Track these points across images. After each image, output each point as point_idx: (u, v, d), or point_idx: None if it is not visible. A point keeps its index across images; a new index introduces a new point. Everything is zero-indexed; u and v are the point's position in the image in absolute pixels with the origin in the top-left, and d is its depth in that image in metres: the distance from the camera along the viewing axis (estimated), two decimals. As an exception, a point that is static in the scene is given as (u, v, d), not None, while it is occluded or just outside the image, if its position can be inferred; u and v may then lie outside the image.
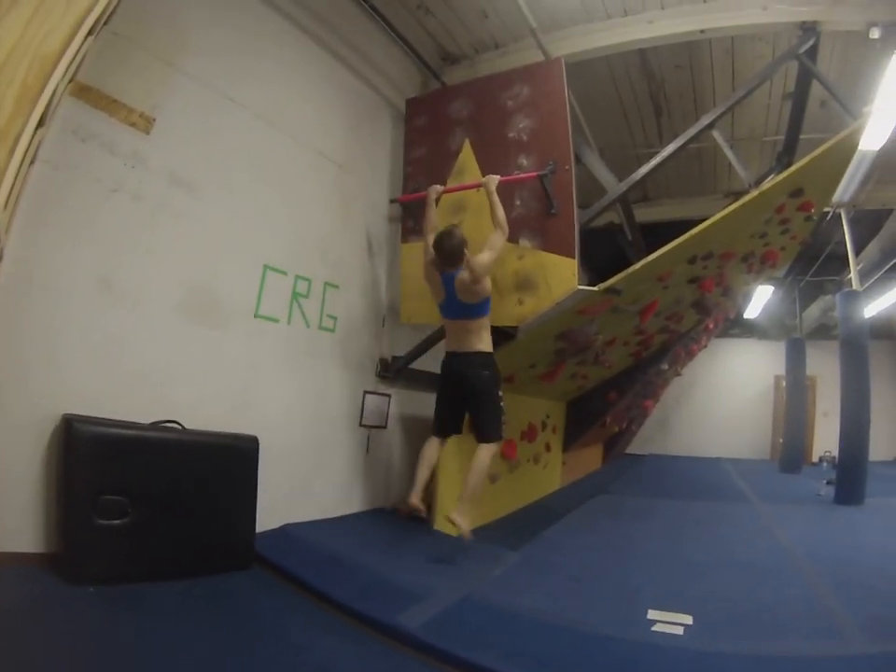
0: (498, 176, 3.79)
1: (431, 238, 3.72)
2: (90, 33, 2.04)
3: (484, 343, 3.64)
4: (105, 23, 2.38)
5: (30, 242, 2.54)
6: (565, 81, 4.05)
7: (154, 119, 3.05)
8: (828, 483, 6.99)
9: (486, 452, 3.56)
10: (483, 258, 3.49)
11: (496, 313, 3.81)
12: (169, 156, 3.13)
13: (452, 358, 3.72)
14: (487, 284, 3.55)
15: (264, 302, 3.69)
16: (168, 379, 3.11)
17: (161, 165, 3.09)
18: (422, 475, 3.69)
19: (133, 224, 2.95)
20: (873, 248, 7.31)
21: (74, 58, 1.99)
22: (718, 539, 4.55)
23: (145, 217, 3.01)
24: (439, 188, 4.04)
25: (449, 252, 3.54)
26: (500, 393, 3.66)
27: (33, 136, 1.89)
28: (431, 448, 3.77)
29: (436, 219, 3.92)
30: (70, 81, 2.46)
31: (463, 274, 3.51)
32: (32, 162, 2.31)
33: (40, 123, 1.92)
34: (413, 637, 2.36)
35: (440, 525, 4.17)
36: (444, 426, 3.81)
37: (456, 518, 3.45)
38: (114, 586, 2.51)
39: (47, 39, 1.82)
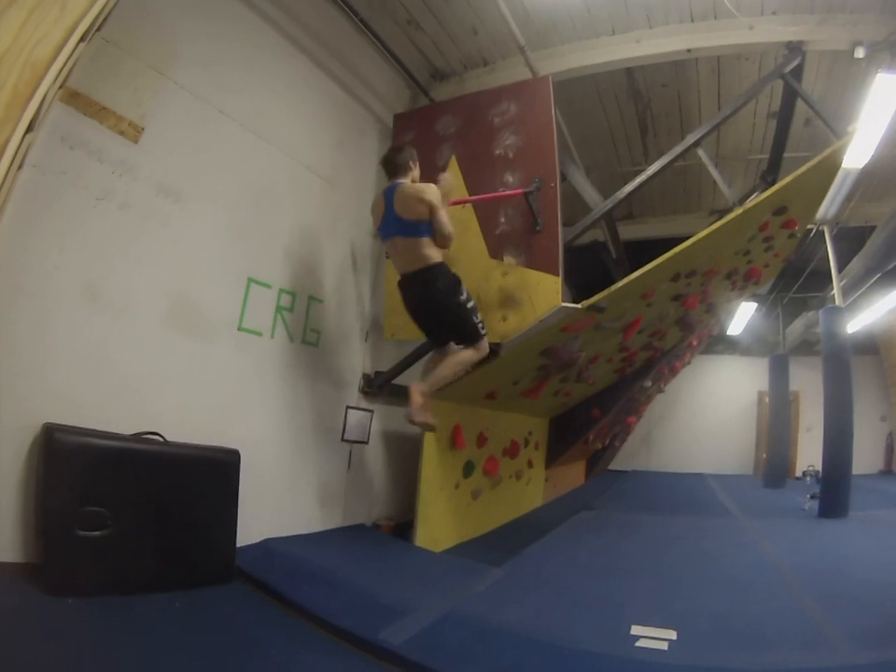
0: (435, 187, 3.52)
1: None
2: (82, 39, 2.04)
3: (429, 257, 3.41)
4: (98, 30, 2.38)
5: (17, 247, 2.53)
6: (552, 99, 4.08)
7: (143, 128, 3.05)
8: (812, 496, 7.02)
9: (469, 353, 3.52)
10: (432, 188, 3.38)
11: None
12: (157, 165, 3.12)
13: (404, 281, 3.57)
14: (425, 209, 3.32)
15: (248, 315, 3.68)
16: (151, 390, 3.09)
17: (149, 175, 3.08)
18: (428, 371, 3.67)
19: (119, 233, 2.94)
20: (856, 264, 7.39)
21: (65, 64, 2.00)
22: (702, 554, 4.54)
23: (131, 226, 3.00)
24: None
25: (392, 161, 3.50)
26: (465, 295, 3.50)
27: (21, 141, 1.88)
28: (433, 360, 3.76)
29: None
30: (61, 87, 2.45)
31: (404, 185, 3.41)
32: (20, 167, 2.29)
33: (29, 128, 1.92)
34: (396, 654, 2.34)
35: (422, 541, 4.14)
36: (434, 338, 3.77)
37: (414, 390, 3.38)
38: (93, 598, 2.48)
39: (39, 45, 1.82)
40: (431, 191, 3.34)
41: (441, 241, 3.39)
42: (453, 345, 3.67)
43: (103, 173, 2.86)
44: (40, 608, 2.32)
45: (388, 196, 3.45)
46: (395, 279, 3.71)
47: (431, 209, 3.31)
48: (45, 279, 2.65)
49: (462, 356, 3.51)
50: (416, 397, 3.36)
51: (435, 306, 3.49)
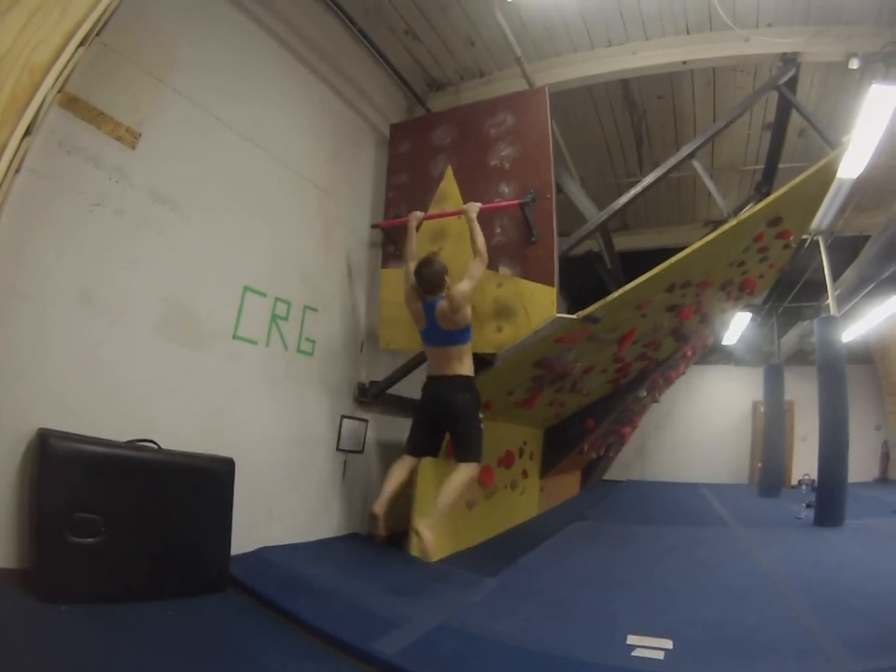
0: (479, 204, 3.82)
1: (412, 265, 3.74)
2: (81, 43, 2.04)
3: (465, 368, 3.64)
4: (98, 34, 2.38)
5: (13, 251, 2.51)
6: (548, 110, 4.10)
7: (140, 135, 3.04)
8: (807, 505, 7.03)
9: (465, 470, 3.51)
10: (463, 286, 3.51)
11: (475, 340, 3.80)
12: (153, 172, 3.11)
13: (433, 381, 3.71)
14: (468, 312, 3.56)
15: (243, 323, 3.66)
16: (145, 396, 3.07)
17: (145, 181, 3.07)
18: (388, 488, 3.61)
19: (115, 239, 2.93)
20: (850, 274, 7.43)
21: (64, 68, 1.99)
22: (697, 564, 4.54)
23: (127, 233, 2.98)
24: (419, 214, 4.06)
25: (429, 280, 3.58)
26: (480, 416, 3.65)
27: (19, 145, 1.88)
28: (402, 466, 3.72)
29: (416, 246, 3.94)
30: (59, 91, 2.45)
31: (443, 303, 3.54)
32: (17, 171, 2.29)
33: (27, 132, 1.92)
34: (390, 664, 2.33)
35: (416, 550, 4.12)
36: (419, 446, 3.78)
37: (423, 530, 3.33)
38: (86, 605, 2.45)
39: (38, 49, 1.83)
40: (460, 294, 3.51)
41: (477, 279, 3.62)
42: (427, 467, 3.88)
43: (99, 178, 2.85)
44: (33, 614, 2.30)
45: (429, 310, 3.63)
46: (390, 288, 3.77)
47: (470, 291, 3.55)
48: (41, 283, 2.63)
49: (461, 476, 3.49)
50: (428, 534, 3.33)
51: (456, 412, 3.60)
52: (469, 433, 3.59)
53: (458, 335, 3.59)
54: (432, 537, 3.34)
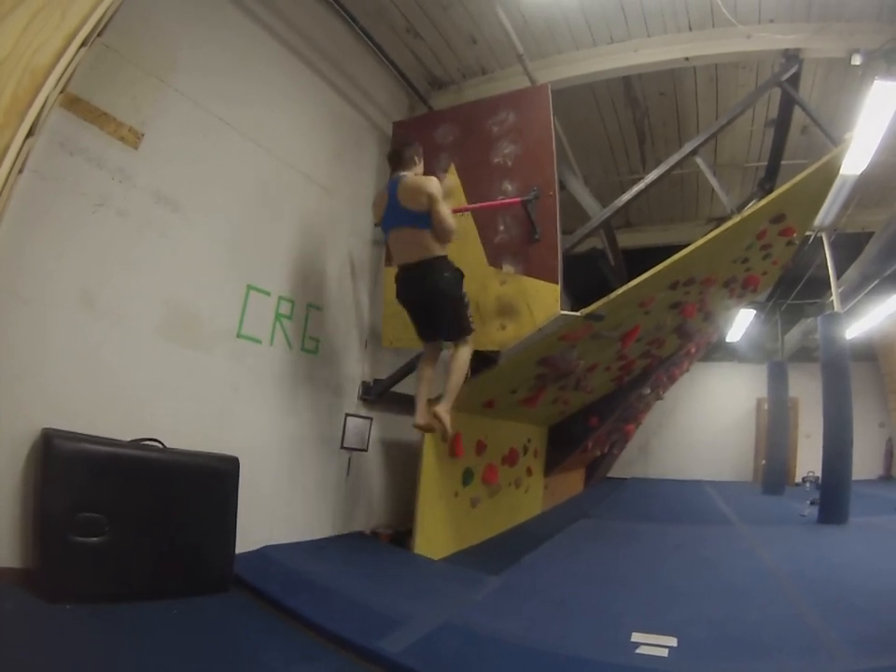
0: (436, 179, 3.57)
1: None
2: (83, 44, 2.04)
3: (433, 249, 3.45)
4: (99, 35, 2.38)
5: (14, 252, 2.51)
6: (550, 107, 4.09)
7: (142, 135, 3.04)
8: (811, 503, 7.01)
9: (464, 351, 3.55)
10: (434, 180, 3.42)
11: (478, 338, 3.81)
12: (156, 172, 3.12)
13: (404, 271, 3.60)
14: (427, 201, 3.35)
15: (247, 323, 3.67)
16: (149, 396, 3.08)
17: (148, 182, 3.07)
18: (422, 394, 3.65)
19: (117, 240, 2.93)
20: (853, 271, 7.41)
21: (66, 69, 1.99)
22: (701, 562, 4.54)
23: (129, 234, 2.99)
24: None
25: (400, 152, 3.55)
26: (463, 291, 3.58)
27: (21, 146, 1.89)
28: (426, 364, 3.76)
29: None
30: (61, 92, 2.46)
31: (408, 177, 3.44)
32: (20, 171, 2.29)
33: (30, 133, 1.92)
34: (394, 663, 2.33)
35: (420, 548, 4.13)
36: (427, 331, 3.74)
37: (441, 412, 3.43)
38: (90, 605, 2.45)
39: (39, 51, 1.83)
40: (433, 183, 3.37)
41: (441, 234, 3.41)
42: (442, 345, 3.76)
43: (102, 179, 2.85)
44: (37, 614, 2.30)
45: (392, 187, 3.48)
46: (393, 286, 3.72)
47: (431, 200, 3.32)
48: (42, 285, 2.63)
49: (462, 358, 3.53)
50: (445, 415, 3.42)
51: (437, 299, 3.51)
52: (456, 313, 3.54)
53: (417, 216, 3.40)
54: (448, 418, 3.44)
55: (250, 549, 3.47)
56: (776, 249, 5.56)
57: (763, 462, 11.70)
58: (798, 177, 4.21)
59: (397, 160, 3.55)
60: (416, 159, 3.56)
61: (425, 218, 3.38)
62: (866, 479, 11.17)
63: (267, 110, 3.89)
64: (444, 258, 3.50)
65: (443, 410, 3.43)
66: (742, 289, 6.23)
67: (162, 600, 2.68)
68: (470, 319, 3.58)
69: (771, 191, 4.86)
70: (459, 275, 3.56)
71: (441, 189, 3.39)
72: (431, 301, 3.53)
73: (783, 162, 5.69)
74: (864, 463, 10.53)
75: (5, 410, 2.47)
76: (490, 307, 4.03)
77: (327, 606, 2.87)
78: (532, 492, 6.69)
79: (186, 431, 3.19)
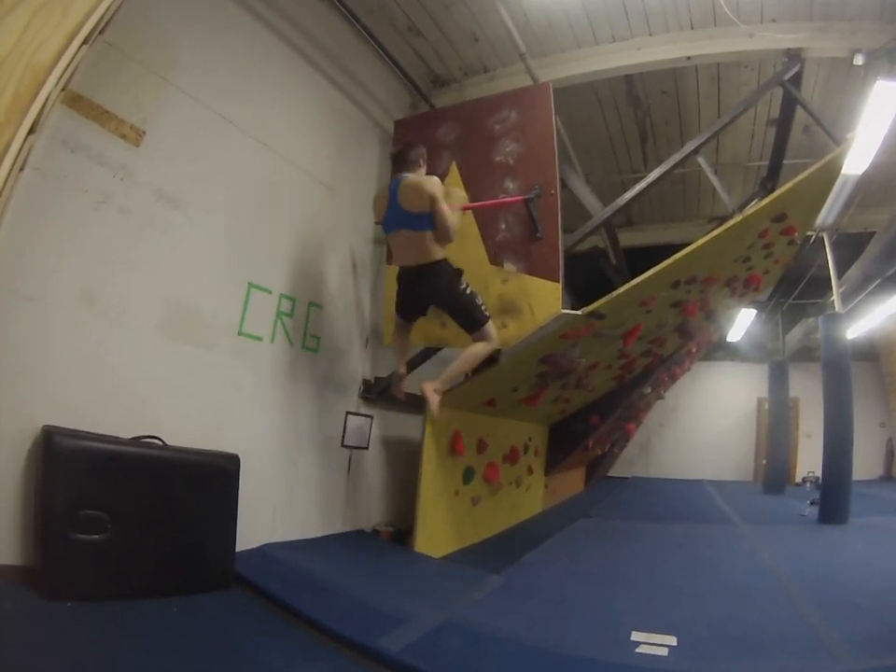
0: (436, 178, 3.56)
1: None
2: (84, 41, 2.04)
3: (432, 253, 3.45)
4: (101, 32, 2.39)
5: (16, 250, 2.51)
6: (552, 106, 4.08)
7: (144, 132, 3.04)
8: (812, 503, 7.02)
9: (481, 346, 3.55)
10: (434, 180, 3.42)
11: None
12: (157, 170, 3.11)
13: (404, 273, 3.62)
14: (428, 203, 3.33)
15: (248, 320, 3.67)
16: (150, 394, 3.08)
17: (150, 179, 3.07)
18: (399, 364, 3.95)
19: (118, 237, 2.93)
20: (855, 271, 7.40)
21: (67, 67, 1.99)
22: (702, 561, 4.54)
23: (131, 231, 2.99)
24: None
25: (404, 153, 3.54)
26: (464, 284, 3.56)
27: (23, 144, 1.88)
28: (400, 332, 3.89)
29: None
30: (63, 90, 2.45)
31: (409, 178, 3.42)
32: (21, 169, 2.29)
33: (31, 131, 1.91)
34: (395, 661, 2.32)
35: (421, 546, 4.13)
36: (407, 313, 3.78)
37: (427, 388, 3.48)
38: (91, 603, 2.45)
39: (41, 49, 1.83)
40: (434, 183, 3.37)
41: (441, 234, 3.40)
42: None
43: (103, 176, 2.85)
44: (38, 612, 2.30)
45: (392, 188, 3.47)
46: (394, 285, 3.74)
47: (432, 200, 3.31)
48: (43, 283, 2.63)
49: (476, 349, 3.54)
50: (432, 395, 3.46)
51: (437, 300, 3.58)
52: (461, 306, 3.55)
53: (418, 218, 3.38)
54: (437, 398, 3.48)
55: (251, 547, 3.47)
56: (777, 249, 5.55)
57: (764, 462, 11.72)
58: (800, 177, 4.20)
59: (401, 160, 3.53)
60: (421, 161, 3.55)
61: (426, 220, 3.37)
62: (867, 479, 11.17)
63: (268, 108, 3.88)
64: (442, 262, 3.50)
65: (430, 387, 3.48)
66: (744, 289, 6.21)
67: (163, 598, 2.68)
68: (483, 308, 3.57)
69: (773, 191, 4.85)
70: (458, 275, 3.55)
71: (441, 188, 3.39)
72: (430, 302, 3.60)
73: (785, 162, 5.68)
74: (865, 463, 10.54)
75: (5, 408, 2.47)
76: (491, 305, 4.00)
77: (327, 604, 2.87)
78: (533, 491, 6.68)
79: (187, 429, 3.19)
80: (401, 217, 3.44)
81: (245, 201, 3.68)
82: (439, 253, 3.47)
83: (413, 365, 4.59)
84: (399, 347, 3.97)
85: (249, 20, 3.76)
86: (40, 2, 1.84)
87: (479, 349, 3.55)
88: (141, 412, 3.00)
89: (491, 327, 3.59)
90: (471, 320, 3.56)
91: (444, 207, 3.34)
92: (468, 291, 3.54)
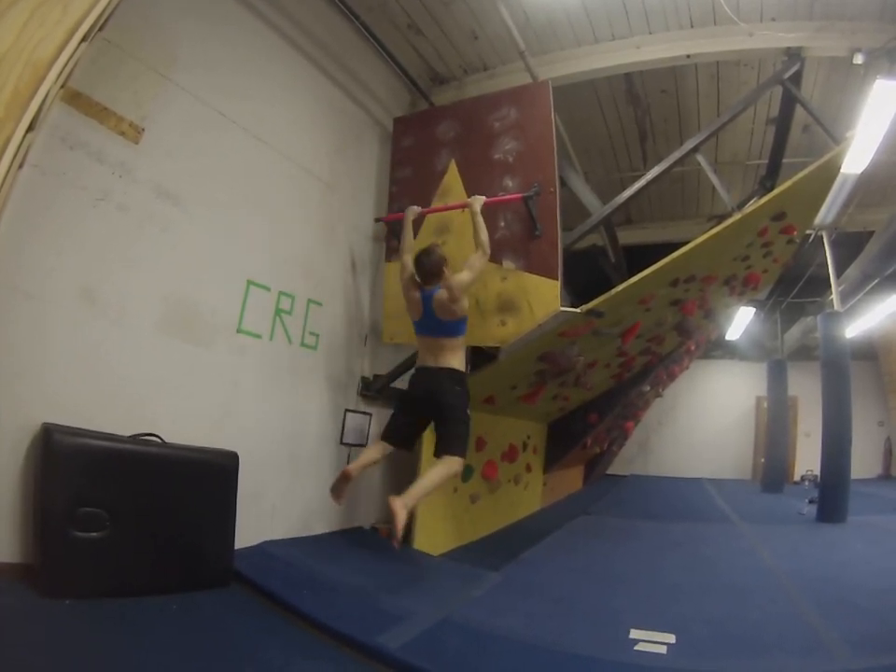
0: (484, 197, 3.78)
1: (408, 258, 3.75)
2: (84, 38, 2.04)
3: (458, 361, 3.60)
4: (101, 29, 2.38)
5: (14, 248, 2.51)
6: (551, 104, 4.08)
7: (143, 130, 3.03)
8: (810, 501, 7.03)
9: (449, 464, 3.36)
10: (462, 277, 3.49)
11: (478, 333, 3.83)
12: (157, 167, 3.11)
13: (423, 372, 3.66)
14: (464, 303, 3.54)
15: (247, 318, 3.66)
16: (149, 391, 3.07)
17: (149, 177, 3.07)
18: (363, 459, 3.64)
19: (117, 235, 2.93)
20: (854, 270, 7.40)
21: (67, 64, 1.99)
22: (700, 560, 4.55)
23: (130, 229, 2.98)
24: (416, 209, 4.04)
25: (428, 269, 3.56)
26: (469, 412, 3.58)
27: (22, 140, 1.88)
28: (377, 447, 3.71)
29: (412, 240, 3.93)
30: (62, 87, 2.45)
31: (441, 292, 3.50)
32: (20, 166, 2.29)
33: (30, 128, 1.91)
34: (394, 658, 2.33)
35: (420, 544, 4.14)
36: (396, 435, 3.70)
37: (396, 505, 3.08)
38: (90, 600, 2.45)
39: (40, 46, 1.82)
40: (459, 284, 3.48)
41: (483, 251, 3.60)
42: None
43: (102, 174, 2.85)
44: (36, 609, 2.31)
45: (426, 300, 3.57)
46: (394, 282, 3.78)
47: (469, 282, 3.52)
48: (43, 281, 2.63)
49: (444, 467, 3.37)
50: (400, 511, 3.10)
51: (445, 403, 3.51)
52: (457, 428, 3.50)
53: (454, 326, 3.57)
54: (403, 515, 3.09)
55: (250, 544, 3.47)
56: (776, 247, 5.55)
57: (763, 460, 11.75)
58: (799, 176, 4.21)
59: (426, 275, 3.60)
60: (445, 269, 3.59)
61: (461, 326, 3.60)
62: (865, 478, 11.19)
63: (268, 105, 3.88)
64: (463, 374, 3.65)
65: (399, 503, 3.11)
66: (742, 287, 6.22)
67: (162, 595, 2.68)
68: (466, 446, 3.52)
69: (772, 189, 4.85)
70: (468, 396, 3.62)
71: (467, 284, 3.52)
72: (436, 404, 3.53)
73: (784, 160, 5.67)
74: (863, 462, 10.57)
75: (5, 406, 2.47)
76: (490, 303, 4.02)
77: (326, 601, 2.88)
78: (531, 488, 6.69)
79: (185, 426, 3.18)
80: (437, 327, 3.59)
81: (244, 198, 3.67)
82: (462, 364, 3.65)
83: (411, 363, 4.56)
84: (364, 461, 3.68)
85: (249, 17, 3.75)
86: (39, -1, 1.83)
87: (449, 469, 3.38)
88: (141, 409, 3.00)
89: (463, 458, 3.47)
90: (456, 442, 3.45)
91: (468, 285, 3.54)
92: (469, 418, 3.57)
